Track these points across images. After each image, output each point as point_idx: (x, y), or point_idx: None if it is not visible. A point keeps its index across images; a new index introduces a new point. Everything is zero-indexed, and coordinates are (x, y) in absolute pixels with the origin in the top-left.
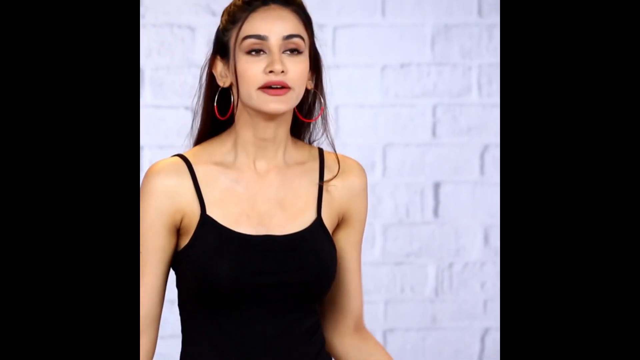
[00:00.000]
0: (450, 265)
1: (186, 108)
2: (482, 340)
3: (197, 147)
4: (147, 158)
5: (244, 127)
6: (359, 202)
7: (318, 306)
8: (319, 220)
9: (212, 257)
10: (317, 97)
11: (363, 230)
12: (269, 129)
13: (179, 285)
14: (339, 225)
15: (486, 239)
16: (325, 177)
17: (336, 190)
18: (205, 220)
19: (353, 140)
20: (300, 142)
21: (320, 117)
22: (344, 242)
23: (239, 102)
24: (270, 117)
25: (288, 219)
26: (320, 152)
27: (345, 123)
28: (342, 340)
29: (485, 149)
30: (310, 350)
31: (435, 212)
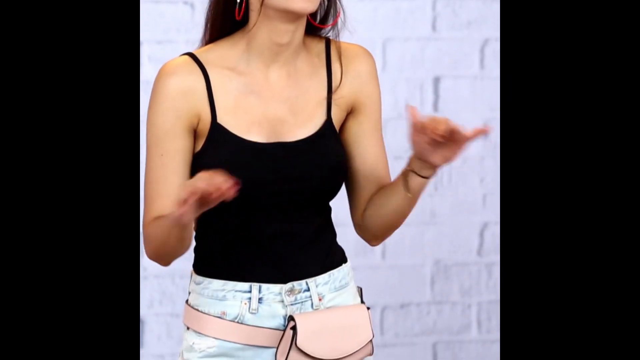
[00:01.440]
0: None
1: (185, 2)
2: (481, 234)
3: (206, 47)
4: (146, 54)
5: (261, 30)
6: (369, 88)
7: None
8: (328, 122)
9: (224, 166)
10: (333, 1)
11: (378, 115)
12: (287, 33)
13: None
14: (349, 114)
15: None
16: (333, 72)
17: (344, 86)
18: (217, 129)
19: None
20: (307, 39)
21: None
22: (357, 129)
23: (258, 1)
24: (293, 18)
25: (298, 124)
26: (327, 45)
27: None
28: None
29: (485, 42)
30: (321, 247)
31: (435, 106)
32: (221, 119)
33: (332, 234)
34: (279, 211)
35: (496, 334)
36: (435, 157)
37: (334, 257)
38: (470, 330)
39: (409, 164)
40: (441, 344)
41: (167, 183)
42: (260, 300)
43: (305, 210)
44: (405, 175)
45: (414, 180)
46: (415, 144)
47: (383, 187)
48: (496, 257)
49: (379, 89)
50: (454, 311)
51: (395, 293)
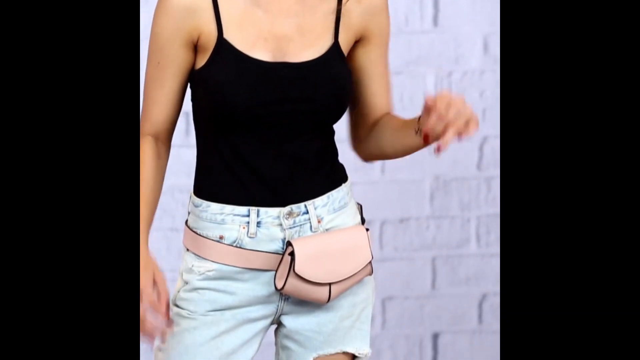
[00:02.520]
0: (449, 74)
1: None
2: (481, 148)
3: None
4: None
5: None
6: (380, 20)
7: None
8: (335, 46)
9: (228, 85)
10: None
11: (387, 46)
12: None
13: (194, 102)
14: (358, 42)
15: (486, 47)
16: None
17: (355, 13)
18: (222, 44)
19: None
20: None
21: None
22: (365, 58)
23: None
24: None
25: (305, 45)
26: None
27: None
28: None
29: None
30: (321, 170)
31: (435, 20)
32: (227, 34)
33: (334, 154)
34: (280, 133)
35: (496, 248)
36: (447, 135)
37: (334, 177)
38: (470, 244)
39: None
40: (440, 259)
41: (162, 90)
42: (258, 224)
43: (307, 133)
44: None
45: None
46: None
47: (393, 120)
48: (496, 171)
49: (389, 20)
50: (453, 225)
51: (394, 208)
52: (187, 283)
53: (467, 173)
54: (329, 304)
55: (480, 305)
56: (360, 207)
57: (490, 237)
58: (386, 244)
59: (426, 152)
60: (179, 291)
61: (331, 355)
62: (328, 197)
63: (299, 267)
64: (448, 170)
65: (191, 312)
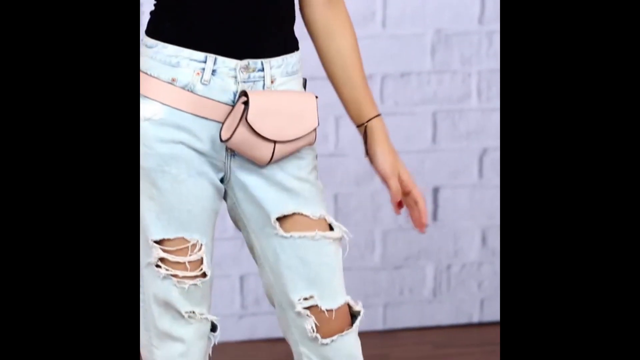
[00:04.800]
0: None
1: None
2: (482, 1)
3: None
4: None
5: None
6: None
7: None
8: None
9: None
10: None
11: None
12: None
13: None
14: None
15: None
16: None
17: None
18: None
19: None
20: None
21: None
22: None
23: None
24: None
25: None
26: None
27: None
28: (313, 9)
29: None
30: (280, 30)
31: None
32: None
33: (291, 21)
34: None
35: (496, 103)
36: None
37: (290, 43)
38: (470, 98)
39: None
40: (441, 113)
41: None
42: (213, 72)
43: None
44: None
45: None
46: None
47: (348, 85)
48: (497, 26)
49: None
50: (454, 80)
51: (395, 62)
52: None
53: (469, 27)
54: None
55: (480, 160)
56: (305, 81)
57: (491, 92)
58: (387, 99)
59: (428, 6)
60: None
61: (292, 217)
62: (283, 60)
63: (251, 118)
64: (449, 24)
65: (144, 167)
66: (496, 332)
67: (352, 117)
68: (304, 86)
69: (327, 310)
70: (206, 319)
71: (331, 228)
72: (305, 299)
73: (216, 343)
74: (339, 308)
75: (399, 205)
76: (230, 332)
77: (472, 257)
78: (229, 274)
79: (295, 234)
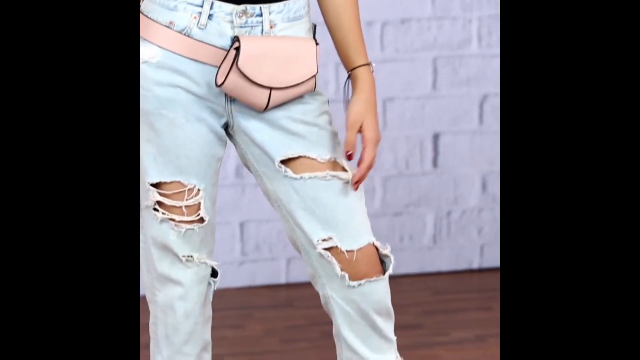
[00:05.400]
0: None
1: None
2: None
3: None
4: None
5: None
6: None
7: None
8: None
9: None
10: None
11: None
12: None
13: None
14: None
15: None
16: None
17: None
18: None
19: None
20: None
21: None
22: None
23: None
24: None
25: None
26: None
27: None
28: None
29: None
30: None
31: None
32: None
33: None
34: None
35: (496, 49)
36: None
37: None
38: (471, 45)
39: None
40: (441, 59)
41: None
42: (210, 16)
43: None
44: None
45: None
46: None
47: (342, 30)
48: None
49: None
50: (455, 26)
51: (395, 8)
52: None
53: None
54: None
55: (480, 106)
56: (314, 27)
57: (491, 38)
58: (387, 45)
59: None
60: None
61: (298, 159)
62: (284, 5)
63: (242, 63)
64: None
65: (143, 110)
66: (496, 278)
67: (343, 64)
68: (314, 32)
69: (347, 251)
70: (205, 263)
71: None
72: (324, 240)
73: (216, 289)
74: (361, 249)
75: (348, 157)
76: (230, 279)
77: (472, 203)
78: (229, 220)
79: (306, 174)
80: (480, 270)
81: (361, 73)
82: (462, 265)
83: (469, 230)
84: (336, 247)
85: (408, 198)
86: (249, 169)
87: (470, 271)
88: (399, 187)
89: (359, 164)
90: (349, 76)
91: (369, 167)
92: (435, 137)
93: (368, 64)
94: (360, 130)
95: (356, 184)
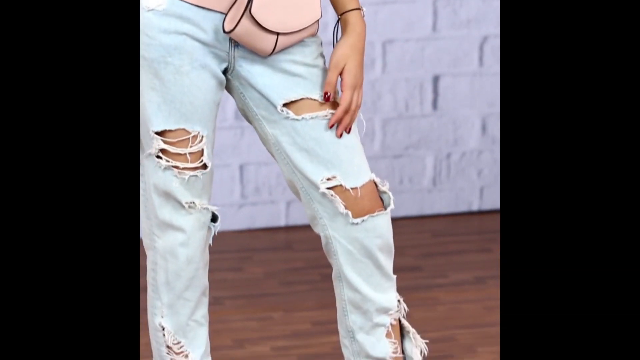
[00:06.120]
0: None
1: None
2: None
3: None
4: None
5: None
6: None
7: None
8: None
9: None
10: None
11: None
12: None
13: None
14: None
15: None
16: None
17: None
18: None
19: None
20: None
21: None
22: None
23: None
24: None
25: None
26: None
27: None
28: None
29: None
30: None
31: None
32: None
33: None
34: None
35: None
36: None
37: None
38: None
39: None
40: (441, 0)
41: None
42: None
43: None
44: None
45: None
46: None
47: None
48: None
49: None
50: None
51: None
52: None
53: None
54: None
55: (481, 47)
56: None
57: None
58: None
59: None
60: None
61: (300, 101)
62: None
63: (255, 9)
64: None
65: (146, 58)
66: (496, 220)
67: (334, 8)
68: None
69: (352, 189)
70: (206, 209)
71: None
72: (328, 179)
73: (216, 233)
74: (364, 185)
75: (326, 98)
76: (229, 222)
77: (472, 145)
78: (228, 163)
79: (307, 115)
80: (480, 213)
81: (351, 17)
82: (461, 208)
83: (468, 172)
84: (340, 185)
85: (408, 140)
86: (245, 114)
87: (470, 213)
88: (399, 130)
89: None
90: (338, 20)
91: (345, 111)
92: (435, 79)
93: (359, 9)
94: (341, 73)
95: (339, 128)
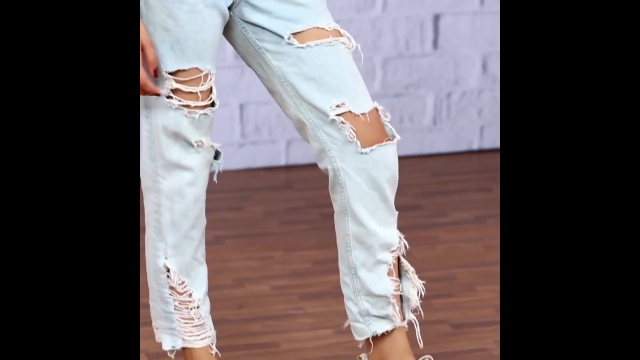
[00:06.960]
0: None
1: None
2: None
3: None
4: None
5: None
6: None
7: None
8: None
9: None
10: None
11: None
12: None
13: None
14: None
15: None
16: None
17: None
18: None
19: None
20: None
21: None
22: None
23: None
24: None
25: None
26: None
27: None
28: None
29: None
30: None
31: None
32: None
33: None
34: None
35: None
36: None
37: None
38: None
39: None
40: None
41: None
42: None
43: None
44: None
45: None
46: None
47: None
48: None
49: None
50: None
51: None
52: None
53: None
54: None
55: None
56: None
57: None
58: None
59: None
60: None
61: (306, 31)
62: None
63: None
64: None
65: None
66: (496, 159)
67: None
68: None
69: (361, 114)
70: (212, 146)
71: None
72: (337, 106)
73: (220, 170)
74: (370, 111)
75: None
76: (230, 161)
77: (473, 85)
78: (228, 102)
79: (312, 42)
80: (480, 151)
81: None
82: (461, 147)
83: (468, 111)
84: (349, 111)
85: (408, 79)
86: (245, 52)
87: (470, 152)
88: (399, 69)
89: None
90: None
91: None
92: (436, 18)
93: None
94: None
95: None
